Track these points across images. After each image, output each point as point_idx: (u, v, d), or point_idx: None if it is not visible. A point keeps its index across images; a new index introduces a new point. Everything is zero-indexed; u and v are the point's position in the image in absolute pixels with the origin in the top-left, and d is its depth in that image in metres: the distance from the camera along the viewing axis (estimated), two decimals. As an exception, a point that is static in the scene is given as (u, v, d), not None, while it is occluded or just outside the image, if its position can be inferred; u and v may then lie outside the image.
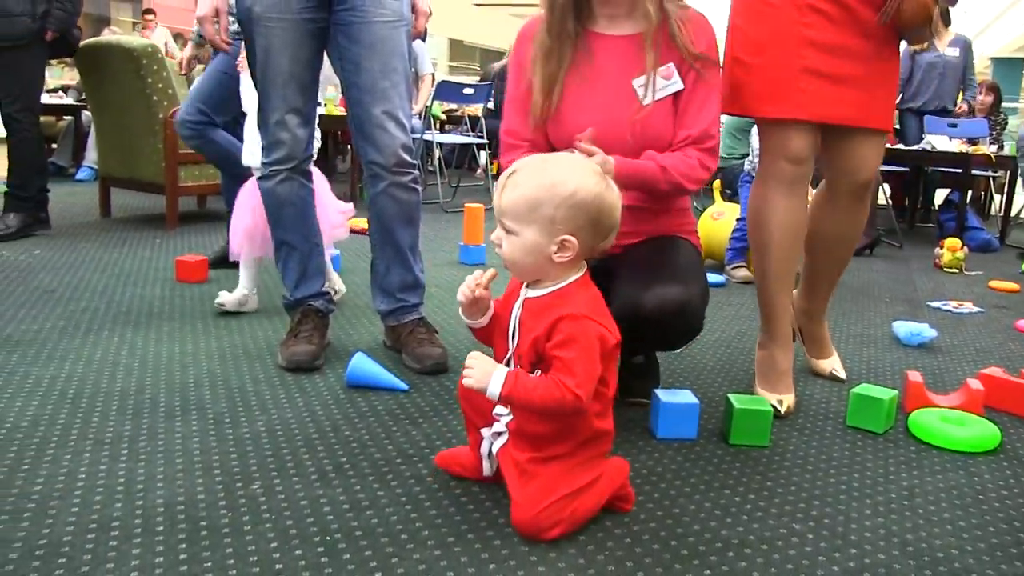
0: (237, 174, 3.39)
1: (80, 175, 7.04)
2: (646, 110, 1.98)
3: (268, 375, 2.32)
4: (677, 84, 2.00)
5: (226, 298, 2.96)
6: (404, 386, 2.24)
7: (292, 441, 1.88)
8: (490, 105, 7.52)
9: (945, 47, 6.83)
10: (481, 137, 7.19)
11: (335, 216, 3.01)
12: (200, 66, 3.95)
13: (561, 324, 1.44)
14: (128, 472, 1.69)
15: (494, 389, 1.43)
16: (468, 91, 6.80)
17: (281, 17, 2.27)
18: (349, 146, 7.54)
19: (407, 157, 2.38)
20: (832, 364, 2.57)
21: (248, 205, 2.90)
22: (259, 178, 2.47)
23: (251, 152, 2.81)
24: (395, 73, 2.33)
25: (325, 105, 5.93)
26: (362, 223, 3.70)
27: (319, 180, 2.79)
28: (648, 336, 1.95)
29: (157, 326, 2.76)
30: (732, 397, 2.01)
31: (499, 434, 1.59)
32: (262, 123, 2.38)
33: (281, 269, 2.53)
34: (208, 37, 2.34)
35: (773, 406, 2.08)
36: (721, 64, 2.09)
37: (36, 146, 4.32)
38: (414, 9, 2.43)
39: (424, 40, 6.88)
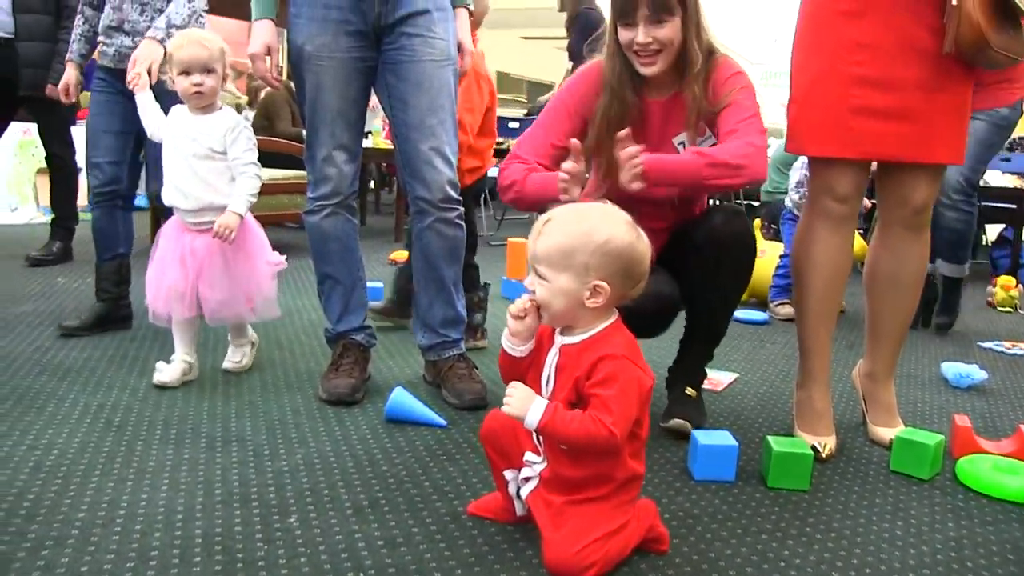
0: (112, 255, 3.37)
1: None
2: None
3: (308, 407, 2.35)
4: (710, 140, 2.18)
5: (166, 373, 2.48)
6: (442, 422, 2.24)
7: (330, 475, 1.90)
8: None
9: None
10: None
11: (263, 270, 2.58)
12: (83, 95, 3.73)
13: (601, 364, 1.45)
14: (168, 502, 1.72)
15: (532, 418, 1.44)
16: (513, 124, 6.84)
17: (331, 56, 2.32)
18: (395, 178, 7.62)
19: (453, 193, 2.41)
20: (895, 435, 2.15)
21: (171, 255, 2.51)
22: (305, 212, 2.50)
23: (169, 193, 2.53)
24: (442, 110, 2.37)
25: (370, 137, 5.98)
26: (404, 255, 3.73)
27: (255, 227, 2.61)
28: (720, 246, 2.20)
29: (201, 356, 2.79)
30: (771, 439, 1.99)
31: (528, 479, 1.59)
32: (309, 158, 2.43)
33: (324, 303, 2.56)
34: (259, 74, 2.40)
35: (813, 448, 2.05)
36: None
37: (76, 181, 4.62)
38: (460, 49, 2.47)
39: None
